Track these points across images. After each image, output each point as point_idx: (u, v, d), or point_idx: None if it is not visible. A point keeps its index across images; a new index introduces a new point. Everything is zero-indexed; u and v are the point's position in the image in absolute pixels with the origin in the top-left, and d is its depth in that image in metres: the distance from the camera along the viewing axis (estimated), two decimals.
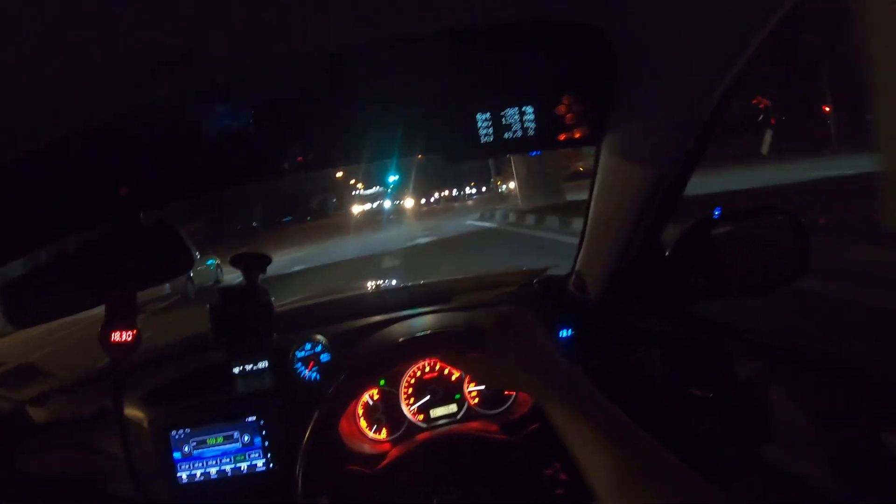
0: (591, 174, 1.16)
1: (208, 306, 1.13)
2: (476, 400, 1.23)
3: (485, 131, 0.90)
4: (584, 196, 1.24)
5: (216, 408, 1.19)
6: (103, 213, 0.90)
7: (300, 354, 1.24)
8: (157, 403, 1.20)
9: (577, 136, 0.92)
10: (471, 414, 1.23)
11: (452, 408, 1.22)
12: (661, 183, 1.03)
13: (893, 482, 0.78)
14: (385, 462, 1.09)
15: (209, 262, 13.71)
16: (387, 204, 43.47)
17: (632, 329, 1.27)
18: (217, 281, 13.93)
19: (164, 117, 0.86)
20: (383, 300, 1.45)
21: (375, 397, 1.22)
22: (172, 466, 1.16)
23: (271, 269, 1.17)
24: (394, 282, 1.97)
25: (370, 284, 1.85)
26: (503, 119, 0.90)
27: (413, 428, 1.21)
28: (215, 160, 0.93)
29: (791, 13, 0.67)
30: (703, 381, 1.13)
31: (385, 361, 1.16)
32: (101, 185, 0.89)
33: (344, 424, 1.15)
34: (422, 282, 1.71)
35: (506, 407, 1.23)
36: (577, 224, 1.35)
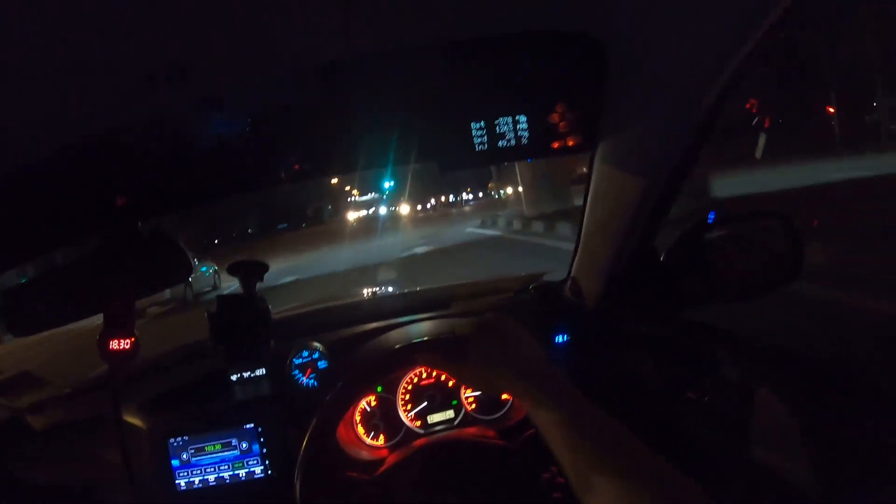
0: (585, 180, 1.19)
1: (206, 314, 1.16)
2: (473, 406, 1.25)
3: (479, 140, 0.92)
4: None
5: (214, 415, 1.21)
6: (102, 223, 0.92)
7: (297, 361, 1.26)
8: (156, 411, 1.22)
9: (571, 143, 0.95)
10: (468, 419, 1.24)
11: (449, 413, 1.24)
12: (655, 188, 1.05)
13: (887, 484, 0.80)
14: (383, 468, 1.10)
15: (203, 269, 13.88)
16: (382, 210, 43.24)
17: (627, 333, 1.29)
18: (215, 286, 14.31)
19: (162, 128, 0.89)
20: (380, 307, 1.48)
21: (373, 404, 1.24)
22: (171, 474, 1.18)
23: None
24: (390, 289, 2.00)
25: (366, 291, 1.88)
26: (497, 128, 0.92)
27: (410, 434, 1.22)
28: (212, 170, 0.96)
29: (782, 22, 0.69)
30: (698, 385, 1.15)
31: (382, 368, 1.18)
32: (99, 195, 0.91)
33: (342, 431, 1.17)
34: (418, 288, 1.73)
35: (503, 412, 1.25)
36: None
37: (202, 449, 1.18)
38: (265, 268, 1.20)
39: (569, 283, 1.36)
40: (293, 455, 1.07)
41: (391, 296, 1.85)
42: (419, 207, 54.43)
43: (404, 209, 41.45)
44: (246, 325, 1.19)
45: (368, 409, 1.23)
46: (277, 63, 0.82)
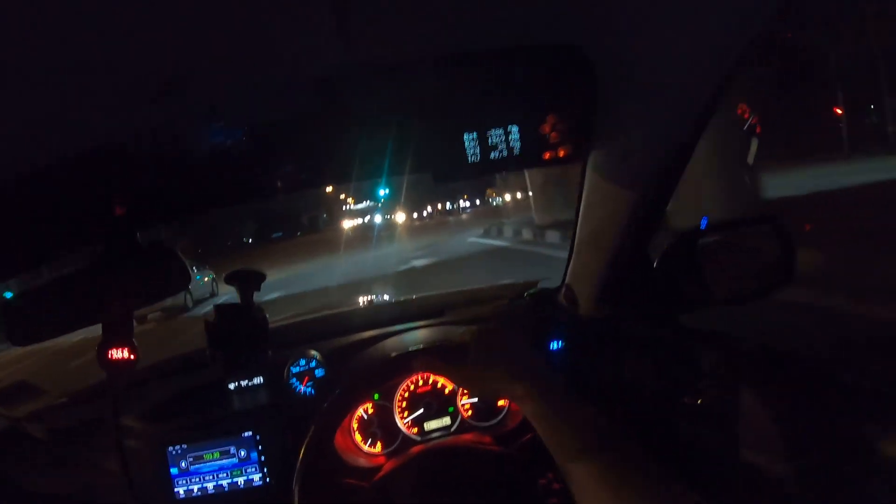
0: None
1: (204, 322, 1.19)
2: (469, 412, 1.28)
3: (472, 151, 0.94)
4: None
5: (213, 423, 1.24)
6: (100, 233, 0.95)
7: (295, 370, 1.28)
8: (154, 419, 1.25)
9: (562, 154, 0.97)
10: (464, 426, 1.27)
11: (446, 420, 1.27)
12: (646, 197, 1.09)
13: (883, 486, 0.83)
14: (380, 475, 1.12)
15: (198, 276, 14.14)
16: (377, 219, 42.93)
17: (621, 339, 1.32)
18: (213, 293, 14.80)
19: (160, 137, 0.91)
20: (376, 315, 1.50)
21: (370, 411, 1.26)
22: (170, 482, 1.20)
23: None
24: (386, 297, 2.03)
25: (362, 300, 1.91)
26: (490, 139, 0.95)
27: (407, 441, 1.25)
28: (210, 180, 0.99)
29: (770, 32, 0.72)
30: (693, 390, 1.18)
31: (379, 375, 1.21)
32: (98, 205, 0.93)
33: (339, 438, 1.19)
34: (414, 296, 1.76)
35: (499, 419, 1.28)
36: None
37: (201, 457, 1.21)
38: (262, 277, 1.24)
39: (563, 290, 1.39)
40: (291, 462, 1.10)
41: (387, 304, 1.89)
42: (415, 215, 54.28)
43: (400, 217, 41.19)
44: (244, 334, 1.22)
45: (365, 417, 1.26)
46: (274, 75, 0.84)
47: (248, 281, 1.22)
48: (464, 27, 0.82)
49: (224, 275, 1.24)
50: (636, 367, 1.29)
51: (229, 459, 1.21)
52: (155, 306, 10.31)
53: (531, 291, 1.46)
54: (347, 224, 44.58)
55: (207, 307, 12.25)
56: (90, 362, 0.97)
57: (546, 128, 0.96)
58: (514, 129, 0.95)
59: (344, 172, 0.99)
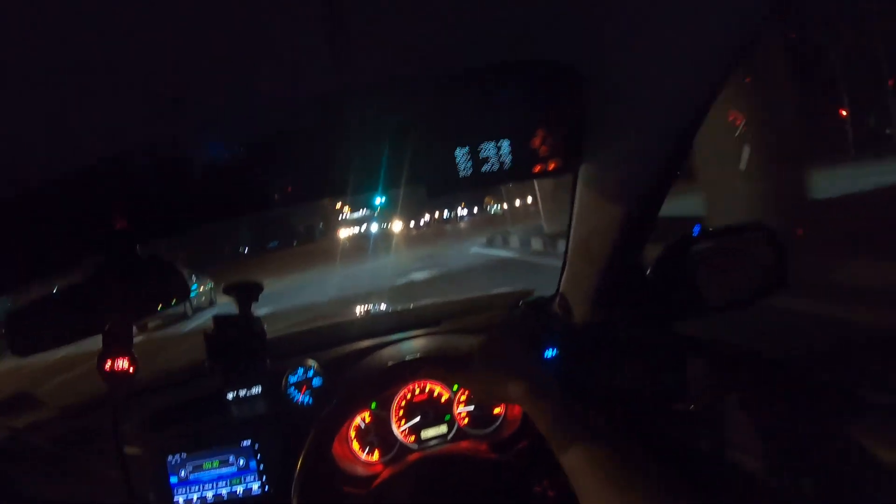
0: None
1: (203, 334, 1.22)
2: (466, 420, 1.31)
3: (464, 165, 0.98)
4: None
5: (212, 433, 1.27)
6: (101, 246, 0.98)
7: (293, 379, 1.31)
8: (154, 429, 1.28)
9: (552, 167, 1.01)
10: (461, 434, 1.30)
11: (443, 429, 1.30)
12: (636, 208, 1.11)
13: (877, 489, 0.85)
14: (377, 483, 1.16)
15: (196, 285, 14.33)
16: (374, 228, 42.55)
17: (615, 347, 1.35)
18: (212, 302, 15.09)
19: (159, 153, 0.94)
20: (373, 325, 1.54)
21: (367, 420, 1.29)
22: (169, 491, 1.23)
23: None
24: (383, 306, 2.06)
25: (359, 309, 1.94)
26: (481, 153, 0.98)
27: (405, 449, 1.28)
28: (208, 194, 1.02)
29: (760, 43, 0.74)
30: (686, 396, 1.20)
31: (376, 385, 1.25)
32: (98, 219, 0.97)
33: (337, 447, 1.23)
34: (411, 306, 1.80)
35: (495, 427, 1.31)
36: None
37: (200, 466, 1.24)
38: (260, 288, 1.27)
39: (557, 299, 1.42)
40: (290, 471, 1.13)
41: (384, 314, 1.92)
42: (412, 224, 54.18)
43: (397, 226, 40.77)
44: (242, 344, 1.25)
45: (363, 426, 1.29)
46: (272, 91, 0.87)
47: (246, 292, 1.25)
48: (455, 47, 0.85)
49: (222, 285, 1.28)
50: (629, 373, 1.32)
51: (228, 468, 1.24)
52: None
53: (527, 300, 1.49)
54: (344, 233, 44.39)
55: (206, 315, 12.42)
56: (83, 375, 1.00)
57: (536, 142, 0.99)
58: (505, 143, 0.98)
59: (340, 186, 1.02)
